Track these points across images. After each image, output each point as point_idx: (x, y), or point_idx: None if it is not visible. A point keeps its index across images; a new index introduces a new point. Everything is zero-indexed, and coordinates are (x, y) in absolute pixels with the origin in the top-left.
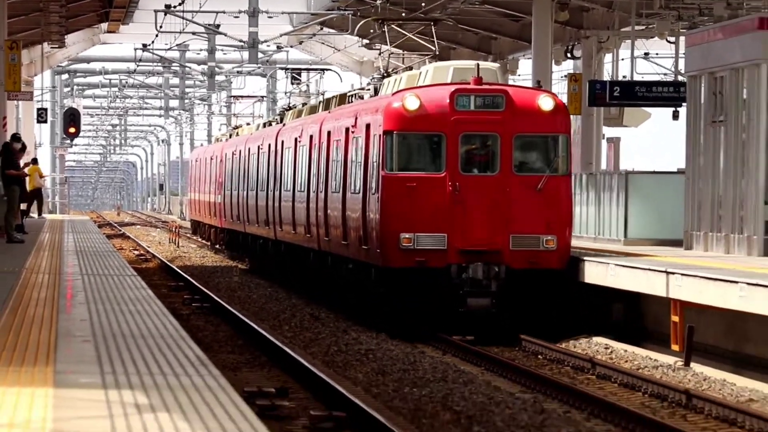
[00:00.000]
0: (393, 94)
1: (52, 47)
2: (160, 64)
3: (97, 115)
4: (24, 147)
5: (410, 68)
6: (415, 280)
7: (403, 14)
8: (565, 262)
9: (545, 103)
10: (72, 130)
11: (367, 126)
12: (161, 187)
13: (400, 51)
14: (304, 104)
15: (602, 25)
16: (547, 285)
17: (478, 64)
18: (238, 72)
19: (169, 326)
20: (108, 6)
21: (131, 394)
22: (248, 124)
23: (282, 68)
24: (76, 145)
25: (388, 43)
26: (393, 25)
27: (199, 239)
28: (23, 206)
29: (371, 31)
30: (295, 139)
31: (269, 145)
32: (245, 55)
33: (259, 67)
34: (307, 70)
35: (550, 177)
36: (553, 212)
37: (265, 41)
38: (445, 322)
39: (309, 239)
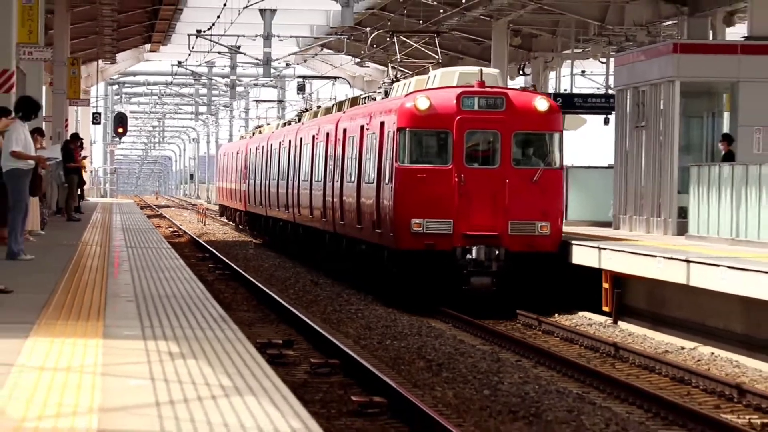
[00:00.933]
0: (405, 95)
1: (105, 63)
2: (191, 77)
3: (140, 118)
4: (82, 144)
5: (417, 74)
6: (424, 261)
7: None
8: (557, 245)
9: (541, 104)
10: (120, 130)
11: (381, 124)
12: (191, 176)
13: (407, 58)
14: (318, 107)
15: (548, 48)
16: (542, 266)
17: (481, 70)
18: (254, 84)
19: (197, 289)
20: (151, 30)
21: (165, 344)
22: (268, 124)
23: (303, 77)
24: (123, 142)
25: (397, 52)
26: (402, 37)
27: (225, 220)
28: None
29: (387, 39)
30: (313, 136)
31: (290, 141)
32: (260, 70)
33: (271, 80)
34: (321, 78)
35: (544, 170)
36: (547, 201)
37: (277, 59)
38: (449, 299)
39: (325, 223)
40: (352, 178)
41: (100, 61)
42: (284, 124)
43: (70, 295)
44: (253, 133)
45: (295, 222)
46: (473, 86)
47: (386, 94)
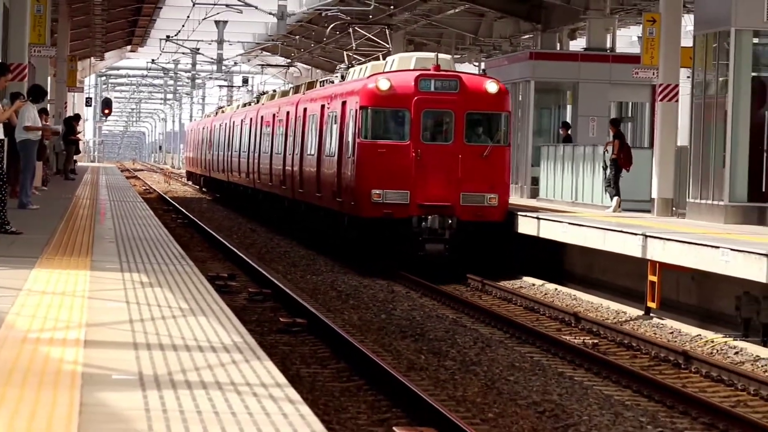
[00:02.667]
0: (368, 77)
1: (96, 60)
2: (161, 71)
3: (122, 102)
4: (78, 118)
5: (376, 59)
6: (382, 228)
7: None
8: (504, 215)
9: (491, 87)
10: (106, 111)
11: (343, 103)
12: (160, 147)
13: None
14: (274, 91)
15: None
16: (490, 234)
17: (437, 54)
18: (209, 77)
19: (162, 233)
20: (131, 35)
21: (138, 275)
22: (228, 105)
23: (268, 67)
24: (108, 121)
25: (353, 41)
26: (356, 28)
27: (185, 181)
28: (76, 157)
29: (337, 32)
30: (273, 115)
31: (251, 119)
32: (214, 67)
33: (222, 75)
34: (277, 66)
35: (493, 147)
36: (495, 175)
37: (227, 59)
38: (404, 264)
39: (284, 190)
40: (312, 151)
41: (92, 58)
42: (244, 105)
43: (66, 237)
44: (216, 113)
45: (255, 188)
46: (429, 70)
47: (342, 78)
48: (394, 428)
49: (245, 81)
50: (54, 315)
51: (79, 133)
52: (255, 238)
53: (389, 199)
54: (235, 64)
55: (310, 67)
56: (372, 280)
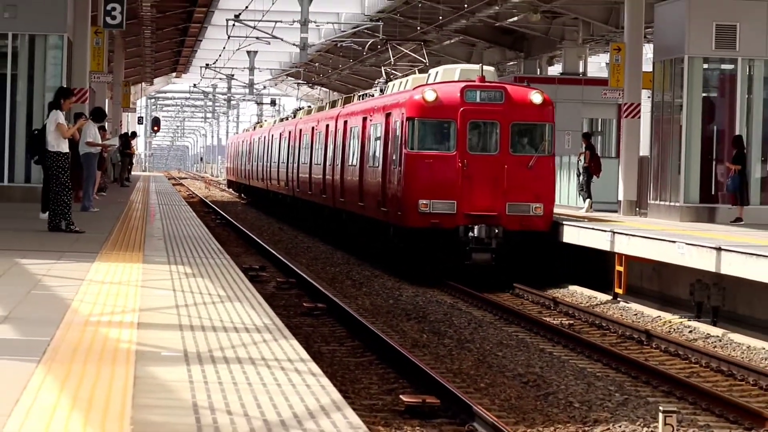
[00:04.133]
0: (413, 88)
1: (146, 84)
2: (202, 94)
3: (168, 120)
4: (135, 135)
5: (412, 74)
6: (429, 237)
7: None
8: (549, 225)
9: (536, 98)
10: (155, 128)
11: (387, 115)
12: (201, 159)
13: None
14: (310, 106)
15: None
16: (535, 244)
17: (482, 66)
18: (242, 99)
19: (203, 232)
20: (176, 64)
21: (183, 267)
22: (266, 121)
23: (302, 83)
24: (157, 136)
25: (391, 57)
26: (394, 44)
27: (224, 188)
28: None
29: (378, 47)
30: (312, 128)
31: (289, 132)
32: (247, 90)
33: (253, 97)
34: (309, 83)
35: (538, 157)
36: (540, 185)
37: (257, 83)
38: (452, 273)
39: (324, 198)
40: (354, 162)
41: (143, 83)
42: (281, 120)
43: (121, 235)
44: (255, 127)
45: (294, 196)
46: (474, 81)
47: (382, 92)
48: (401, 396)
49: (273, 102)
50: (112, 301)
51: (134, 147)
52: (282, 236)
53: (436, 209)
54: (264, 87)
55: (328, 90)
56: (382, 272)
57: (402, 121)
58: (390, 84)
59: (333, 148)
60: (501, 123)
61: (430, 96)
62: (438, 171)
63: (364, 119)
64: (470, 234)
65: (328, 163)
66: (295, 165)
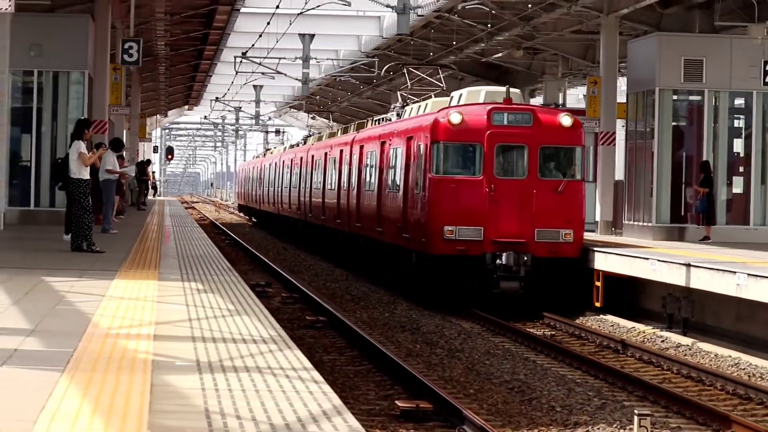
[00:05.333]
0: (437, 111)
1: (161, 116)
2: (212, 125)
3: (181, 149)
4: (149, 162)
5: (429, 98)
6: (455, 265)
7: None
8: (579, 252)
9: (565, 121)
10: (169, 156)
11: (409, 138)
12: (212, 184)
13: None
14: (320, 133)
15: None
16: (565, 271)
17: (508, 88)
18: (249, 129)
19: (214, 251)
20: (188, 97)
21: (195, 284)
22: (275, 148)
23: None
24: (171, 163)
25: (408, 81)
26: (410, 68)
27: (233, 210)
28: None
29: (391, 73)
30: (325, 153)
31: (301, 158)
32: (253, 121)
33: (259, 127)
34: (315, 111)
35: (568, 181)
36: (570, 211)
37: (263, 114)
38: (477, 301)
39: (339, 223)
40: (371, 187)
41: (158, 115)
42: (291, 146)
43: (138, 254)
44: (264, 154)
45: (306, 221)
46: (500, 103)
47: (398, 116)
48: (396, 402)
49: (278, 132)
50: (130, 315)
51: (152, 173)
52: (286, 255)
53: (462, 236)
54: (270, 118)
55: (328, 120)
56: (378, 287)
57: (426, 145)
58: (407, 108)
59: (348, 172)
60: (529, 146)
61: (455, 118)
62: (464, 196)
63: (383, 143)
64: (498, 261)
65: (342, 188)
66: (308, 190)
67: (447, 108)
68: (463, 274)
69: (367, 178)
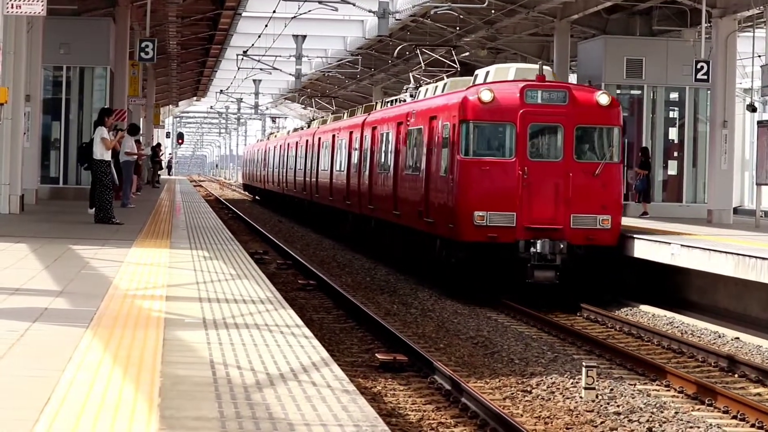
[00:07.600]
0: (467, 88)
1: (172, 106)
2: (217, 114)
3: (190, 134)
4: (159, 146)
5: (441, 79)
6: (486, 252)
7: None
8: (617, 239)
9: (602, 99)
10: (180, 141)
11: (432, 118)
12: (217, 165)
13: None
14: (324, 117)
15: None
16: (602, 259)
17: (542, 64)
18: (249, 118)
19: (219, 223)
20: (196, 89)
21: (202, 252)
22: (278, 131)
23: (316, 98)
24: (181, 147)
25: (421, 62)
26: (424, 49)
27: (235, 188)
28: (159, 172)
29: (406, 53)
30: (333, 136)
31: (306, 141)
32: (253, 110)
33: (258, 116)
34: (318, 98)
35: (605, 164)
36: (607, 195)
37: (261, 105)
38: (510, 291)
39: (348, 205)
40: (386, 169)
41: (170, 105)
42: (295, 130)
43: (153, 226)
44: (268, 137)
45: (312, 201)
46: (534, 80)
47: (412, 97)
48: (376, 354)
49: (274, 120)
50: (145, 279)
51: (162, 154)
52: (281, 227)
53: (493, 222)
54: (267, 108)
55: (315, 108)
56: (360, 255)
57: (454, 125)
58: (422, 89)
59: (359, 154)
60: (565, 126)
61: (486, 96)
62: (495, 179)
63: (399, 124)
64: (532, 249)
65: (353, 170)
66: (314, 171)
67: (477, 85)
68: (493, 263)
69: (382, 160)
